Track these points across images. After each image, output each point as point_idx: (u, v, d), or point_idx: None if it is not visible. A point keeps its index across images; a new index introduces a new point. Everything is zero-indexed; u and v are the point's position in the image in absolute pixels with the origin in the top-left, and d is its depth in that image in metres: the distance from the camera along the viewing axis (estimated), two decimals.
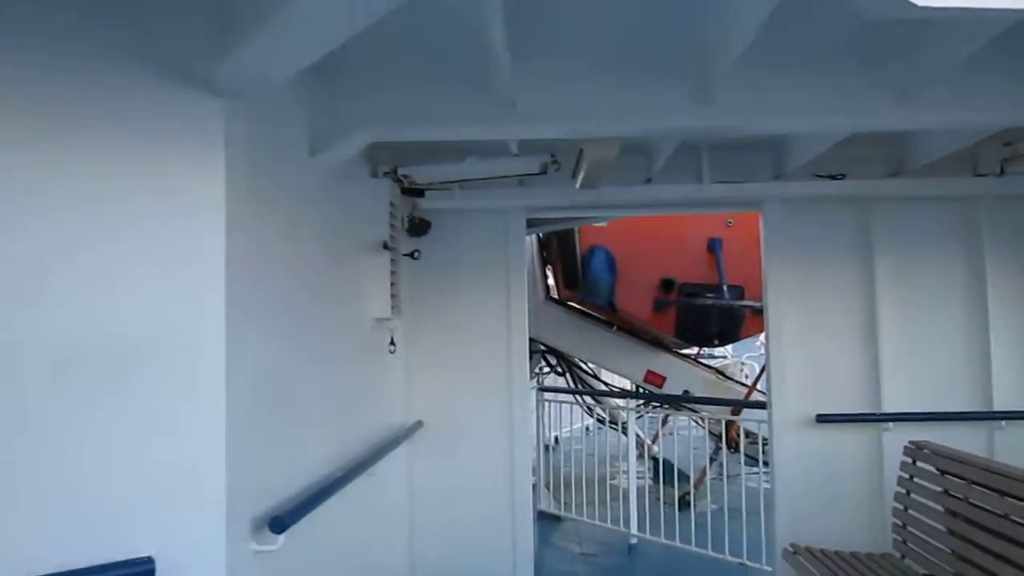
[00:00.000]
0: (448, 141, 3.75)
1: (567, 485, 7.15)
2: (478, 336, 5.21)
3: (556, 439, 9.86)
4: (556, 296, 8.80)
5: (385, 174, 4.16)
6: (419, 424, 5.09)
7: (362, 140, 3.20)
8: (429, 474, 5.11)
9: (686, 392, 8.33)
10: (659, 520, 6.35)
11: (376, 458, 3.77)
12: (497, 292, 5.21)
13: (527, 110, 3.14)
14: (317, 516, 2.67)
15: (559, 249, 7.56)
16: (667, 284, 7.25)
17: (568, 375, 9.60)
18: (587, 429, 9.68)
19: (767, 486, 5.32)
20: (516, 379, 5.19)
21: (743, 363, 16.80)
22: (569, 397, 8.19)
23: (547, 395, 7.85)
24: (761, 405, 5.34)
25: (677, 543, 6.16)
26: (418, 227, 4.98)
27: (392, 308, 4.18)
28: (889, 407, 4.81)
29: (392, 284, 4.22)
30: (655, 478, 8.01)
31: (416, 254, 4.54)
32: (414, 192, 4.78)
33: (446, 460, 5.12)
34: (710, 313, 6.94)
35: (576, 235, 7.24)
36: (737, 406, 7.15)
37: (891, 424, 4.79)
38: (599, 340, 8.52)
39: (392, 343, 4.25)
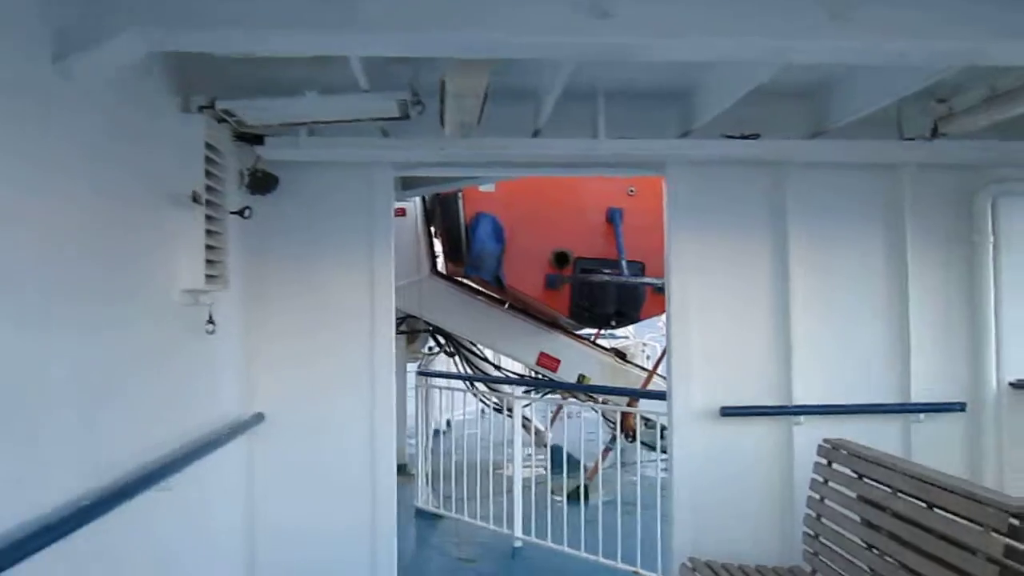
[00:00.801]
0: (270, 60, 2.95)
1: (454, 476, 6.46)
2: (335, 315, 4.53)
3: (448, 423, 9.32)
4: (443, 270, 8.11)
5: (201, 109, 3.34)
6: (259, 418, 4.33)
7: (135, 46, 2.39)
8: (272, 475, 4.41)
9: (581, 378, 7.86)
10: (546, 518, 5.79)
11: (178, 467, 3.00)
12: (359, 263, 4.53)
13: (371, 15, 2.42)
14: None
15: (442, 217, 6.82)
16: (561, 258, 6.65)
17: (457, 357, 8.98)
18: (482, 412, 9.12)
19: (664, 474, 4.83)
20: (380, 365, 4.52)
21: (644, 344, 16.62)
22: (456, 382, 7.52)
23: (432, 380, 7.14)
24: (661, 396, 4.79)
25: (566, 548, 5.60)
26: (261, 182, 4.21)
27: (211, 278, 3.39)
28: (801, 398, 4.38)
29: (212, 248, 3.42)
30: (550, 468, 7.56)
31: (247, 212, 3.76)
32: (252, 139, 3.98)
33: (294, 458, 4.43)
34: (608, 291, 6.38)
35: (460, 201, 6.53)
36: (633, 396, 6.65)
37: (802, 418, 4.37)
38: (488, 319, 7.95)
39: (211, 321, 3.44)
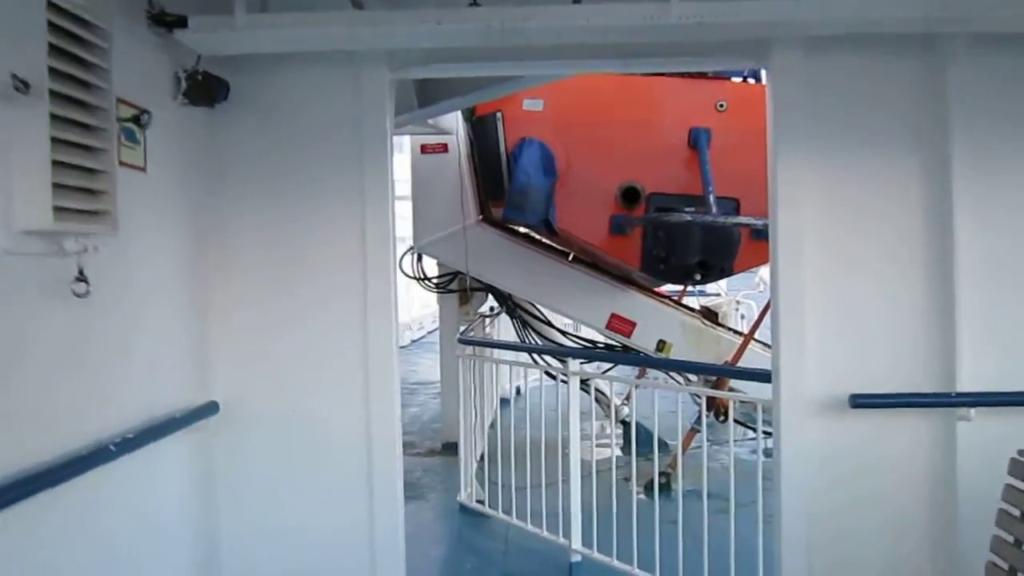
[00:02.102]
0: None
1: (513, 457, 5.31)
2: (314, 271, 3.57)
3: (518, 390, 8.30)
4: (490, 216, 6.98)
5: None
6: (211, 408, 3.36)
7: None
8: (237, 479, 3.46)
9: (661, 344, 6.68)
10: (613, 519, 4.64)
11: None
12: (346, 202, 3.53)
13: None
14: None
15: (476, 144, 5.65)
16: (630, 194, 5.40)
17: (513, 320, 7.89)
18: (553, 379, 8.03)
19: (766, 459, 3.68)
20: (376, 339, 3.49)
21: (738, 302, 15.16)
22: (500, 353, 6.41)
23: (468, 350, 6.04)
24: (763, 375, 3.59)
25: (635, 569, 4.47)
26: (202, 89, 3.22)
27: (75, 214, 2.35)
28: (969, 384, 3.12)
29: (78, 169, 2.37)
30: (626, 449, 6.42)
31: (144, 118, 2.70)
32: (170, 22, 2.96)
33: (265, 455, 3.55)
34: (690, 236, 5.10)
35: (499, 123, 5.34)
36: (723, 375, 5.42)
37: (972, 411, 3.10)
38: (547, 274, 6.81)
39: (82, 279, 2.41)
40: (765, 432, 5.24)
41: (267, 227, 3.48)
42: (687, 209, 4.91)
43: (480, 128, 5.38)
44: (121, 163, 2.75)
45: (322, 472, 3.51)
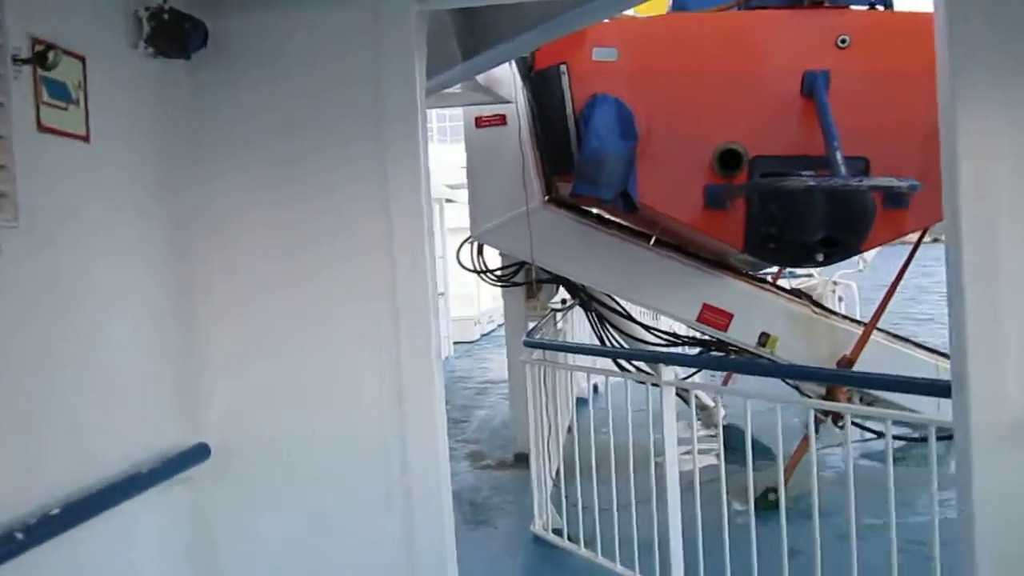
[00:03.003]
0: None
1: (594, 471, 4.45)
2: (326, 270, 2.76)
3: (596, 388, 7.55)
4: (558, 196, 6.15)
5: None
6: (200, 452, 2.63)
7: None
8: (233, 550, 2.72)
9: (764, 338, 5.77)
10: (723, 548, 3.76)
11: None
12: (363, 180, 2.71)
13: None
14: None
15: (536, 103, 4.76)
16: (729, 158, 4.46)
17: (587, 312, 7.06)
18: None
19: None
20: (411, 350, 2.72)
21: (835, 284, 13.99)
22: (574, 357, 5.57)
23: (536, 354, 5.21)
24: (931, 388, 2.66)
25: None
26: (172, 33, 2.51)
27: None
28: None
29: None
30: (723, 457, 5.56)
31: (52, 57, 1.96)
32: None
33: (266, 520, 2.71)
34: (811, 205, 4.10)
35: (564, 77, 4.44)
36: (862, 386, 4.44)
37: None
38: (624, 261, 5.95)
39: None
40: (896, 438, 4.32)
41: (263, 210, 2.74)
42: (804, 173, 3.95)
43: (540, 85, 4.50)
44: (43, 128, 2.04)
45: (349, 530, 2.75)
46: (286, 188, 2.75)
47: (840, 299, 13.32)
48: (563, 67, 4.36)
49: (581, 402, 7.43)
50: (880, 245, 4.76)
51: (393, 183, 2.68)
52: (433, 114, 15.62)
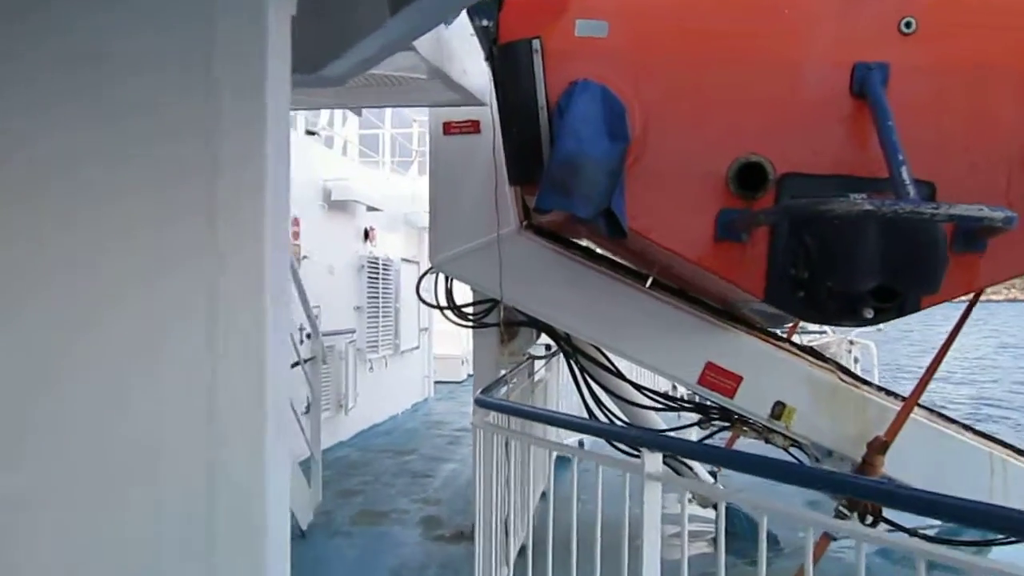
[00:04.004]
0: None
1: (575, 546, 3.34)
2: (112, 302, 1.72)
3: (581, 443, 6.96)
4: (536, 222, 5.15)
5: None
6: None
7: None
8: None
9: (778, 408, 4.77)
10: None
11: None
12: (179, 176, 1.68)
13: None
14: None
15: (499, 88, 3.67)
16: (750, 175, 3.37)
17: (573, 366, 5.99)
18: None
19: None
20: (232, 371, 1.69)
21: (851, 343, 12.96)
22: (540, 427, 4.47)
23: (491, 417, 4.11)
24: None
25: None
26: None
27: None
28: None
29: None
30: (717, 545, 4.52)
31: None
32: None
33: None
34: (865, 240, 2.99)
35: (536, 56, 3.37)
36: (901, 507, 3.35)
37: None
38: (613, 305, 4.94)
39: None
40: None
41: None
42: (856, 198, 2.85)
43: (505, 64, 3.41)
44: None
45: None
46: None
47: (856, 360, 12.26)
48: (535, 42, 3.30)
49: (562, 460, 6.46)
50: (946, 301, 3.64)
51: (225, 193, 1.71)
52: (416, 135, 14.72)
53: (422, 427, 12.84)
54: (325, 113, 13.18)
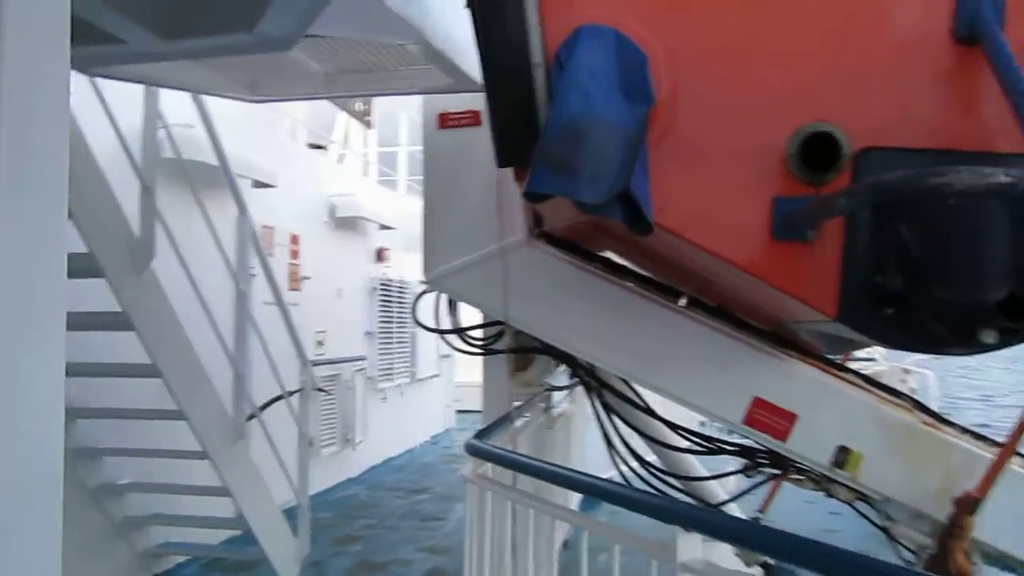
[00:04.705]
0: None
1: None
2: None
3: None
4: (549, 229, 4.39)
5: None
6: None
7: None
8: None
9: (843, 455, 3.96)
10: None
11: None
12: None
13: None
14: None
15: (480, 42, 2.88)
16: (819, 150, 2.54)
17: (595, 400, 5.19)
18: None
19: None
20: None
21: (906, 372, 12.05)
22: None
23: (487, 469, 3.31)
24: None
25: None
26: None
27: None
28: None
29: None
30: None
31: None
32: None
33: None
34: (989, 231, 2.17)
35: None
36: None
37: None
38: (642, 328, 4.16)
39: None
40: None
41: None
42: (984, 171, 1.99)
43: (488, 8, 2.62)
44: None
45: None
46: None
47: (912, 392, 11.31)
48: None
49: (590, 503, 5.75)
50: None
51: None
52: None
53: (439, 461, 12.03)
54: (339, 127, 12.59)
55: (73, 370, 5.18)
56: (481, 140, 4.48)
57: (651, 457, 5.31)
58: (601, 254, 4.50)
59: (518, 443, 4.65)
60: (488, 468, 3.37)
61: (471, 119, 4.51)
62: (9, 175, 1.17)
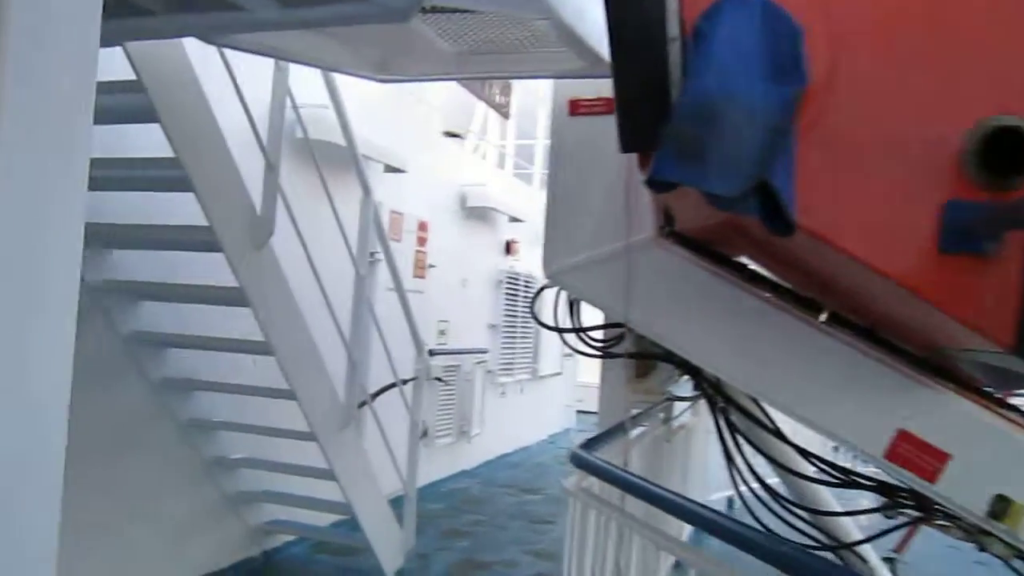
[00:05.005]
0: None
1: None
2: None
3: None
4: (680, 228, 4.07)
5: None
6: None
7: None
8: None
9: (1000, 503, 3.48)
10: None
11: None
12: None
13: None
14: None
15: (608, 16, 2.62)
16: (1003, 147, 2.17)
17: (715, 416, 4.83)
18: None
19: None
20: None
21: None
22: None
23: (593, 484, 3.04)
24: None
25: None
26: None
27: None
28: None
29: None
30: None
31: None
32: None
33: None
34: None
35: None
36: None
37: None
38: (775, 342, 3.78)
39: None
40: None
41: None
42: None
43: None
44: None
45: None
46: None
47: None
48: None
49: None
50: None
51: None
52: None
53: (554, 462, 11.81)
54: (478, 116, 12.55)
55: (188, 342, 5.32)
56: (613, 130, 4.23)
57: (771, 479, 4.92)
58: (736, 259, 4.15)
59: (631, 456, 4.36)
60: (594, 482, 3.12)
61: (603, 107, 4.24)
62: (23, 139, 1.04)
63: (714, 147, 1.90)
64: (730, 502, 8.95)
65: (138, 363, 4.89)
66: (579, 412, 15.91)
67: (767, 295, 3.85)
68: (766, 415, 4.63)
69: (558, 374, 14.01)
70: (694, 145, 1.91)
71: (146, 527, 5.18)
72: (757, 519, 4.21)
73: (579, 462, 2.99)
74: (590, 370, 15.11)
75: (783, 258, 3.78)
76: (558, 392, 14.58)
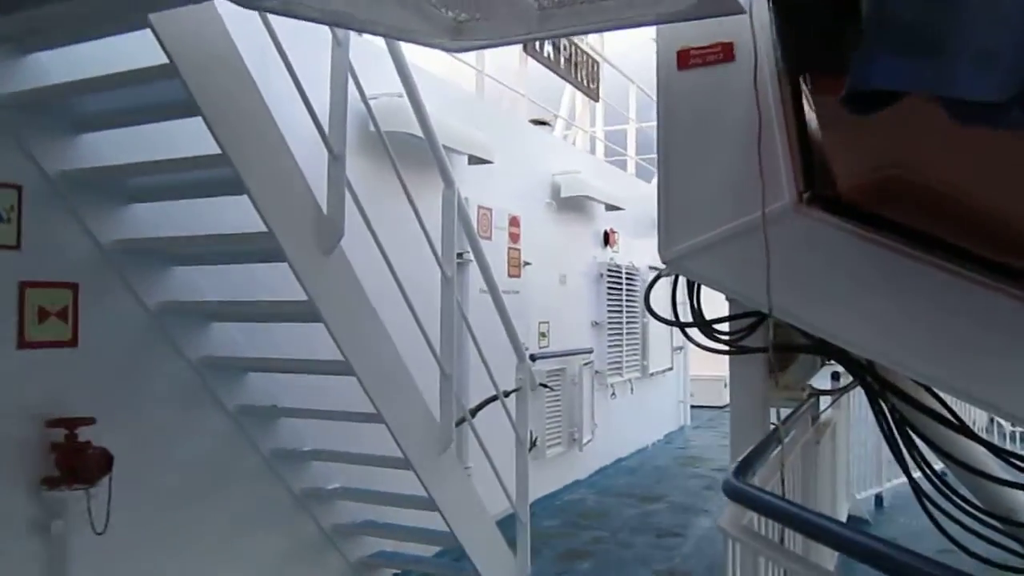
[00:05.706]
0: None
1: None
2: None
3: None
4: (825, 191, 3.38)
5: None
6: None
7: None
8: None
9: None
10: None
11: None
12: None
13: None
14: None
15: None
16: None
17: (876, 408, 4.12)
18: None
19: None
20: None
21: None
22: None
23: (753, 520, 2.38)
24: None
25: None
26: None
27: None
28: None
29: None
30: None
31: None
32: None
33: None
34: None
35: None
36: None
37: None
38: (954, 319, 3.10)
39: None
40: None
41: None
42: None
43: None
44: None
45: None
46: None
47: None
48: None
49: None
50: None
51: None
52: None
53: (674, 464, 11.06)
54: (566, 101, 11.95)
55: (260, 365, 4.86)
56: (733, 80, 3.54)
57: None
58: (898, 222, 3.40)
59: (786, 472, 3.65)
60: (753, 517, 2.45)
61: (721, 54, 3.57)
62: None
63: (959, 30, 1.22)
64: (878, 500, 8.09)
65: (211, 391, 4.45)
66: (693, 407, 15.13)
67: (941, 262, 3.12)
68: (943, 405, 3.86)
69: (669, 369, 13.24)
70: (924, 32, 1.23)
71: (242, 567, 4.76)
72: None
73: (735, 495, 2.33)
74: (702, 362, 14.29)
75: (969, 215, 3.03)
76: (670, 388, 13.81)
